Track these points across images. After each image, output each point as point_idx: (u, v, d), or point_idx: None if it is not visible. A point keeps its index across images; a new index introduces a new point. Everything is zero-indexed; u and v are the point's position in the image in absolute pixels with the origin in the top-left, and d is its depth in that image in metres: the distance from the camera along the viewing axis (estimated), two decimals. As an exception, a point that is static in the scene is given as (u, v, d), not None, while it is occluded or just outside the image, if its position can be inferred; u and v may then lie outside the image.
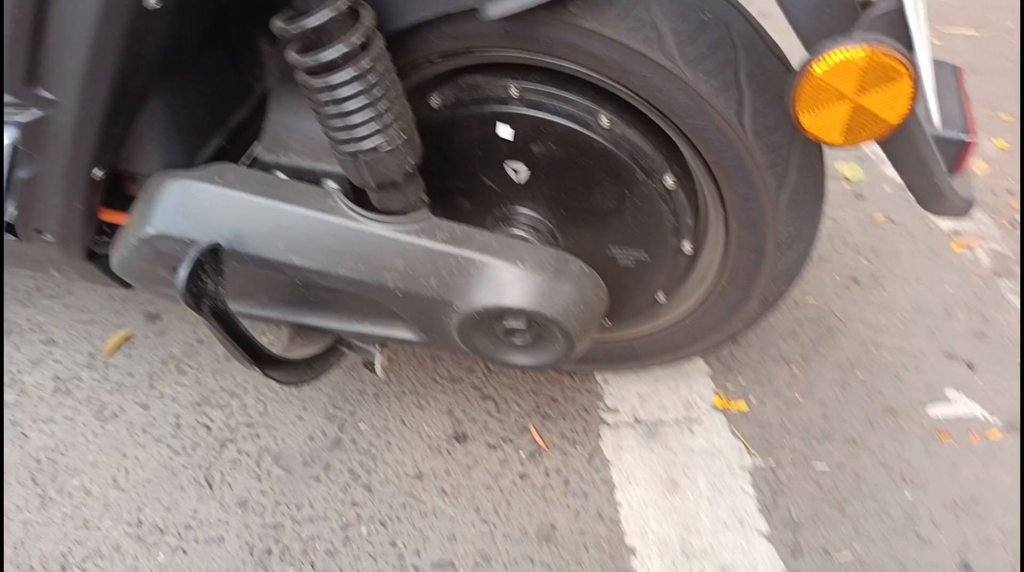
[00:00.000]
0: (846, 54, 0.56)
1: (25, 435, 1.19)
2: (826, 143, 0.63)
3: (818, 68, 0.57)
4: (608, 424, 1.15)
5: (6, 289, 1.46)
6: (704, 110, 0.79)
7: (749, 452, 1.11)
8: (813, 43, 0.59)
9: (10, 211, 0.91)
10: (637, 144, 0.87)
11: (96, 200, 0.91)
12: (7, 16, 0.65)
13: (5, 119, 0.79)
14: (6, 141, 0.81)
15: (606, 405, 1.18)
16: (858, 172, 1.69)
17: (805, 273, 1.39)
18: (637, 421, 1.15)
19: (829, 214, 1.56)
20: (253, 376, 1.25)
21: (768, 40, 0.79)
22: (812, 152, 0.84)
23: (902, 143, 0.69)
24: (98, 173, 0.85)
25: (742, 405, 1.17)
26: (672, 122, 0.84)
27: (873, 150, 1.76)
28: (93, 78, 0.71)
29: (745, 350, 1.26)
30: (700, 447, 1.11)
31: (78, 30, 0.67)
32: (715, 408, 1.17)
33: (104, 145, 0.82)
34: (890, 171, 1.69)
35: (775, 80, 0.78)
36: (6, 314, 1.41)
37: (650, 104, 0.83)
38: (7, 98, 0.75)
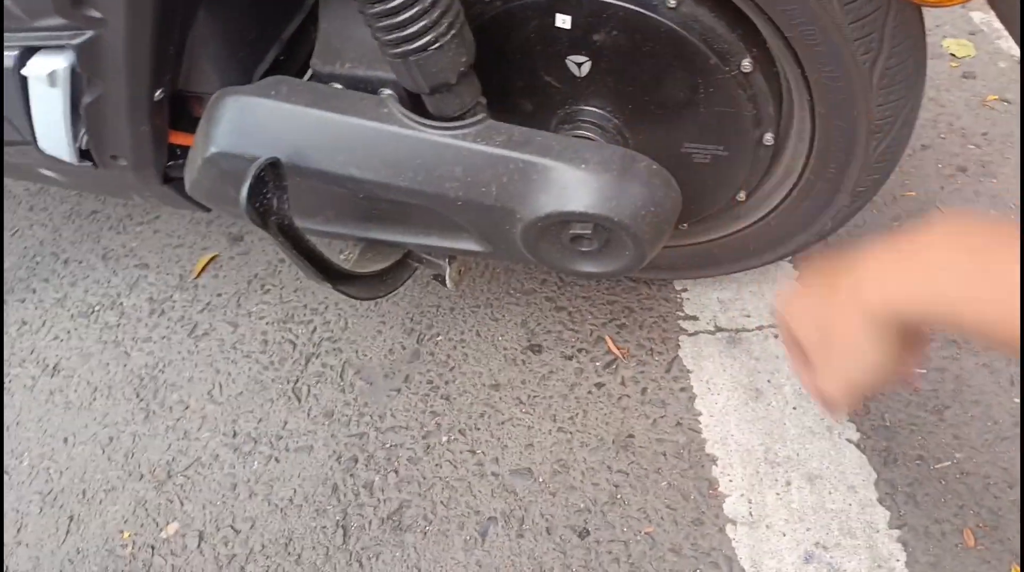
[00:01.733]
0: None
1: (127, 353, 1.26)
2: (924, 2, 0.55)
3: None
4: (687, 332, 1.11)
5: (102, 217, 1.53)
6: (784, -19, 0.71)
7: (839, 357, 1.05)
8: None
9: (84, 137, 0.94)
10: (708, 24, 0.79)
11: (163, 122, 0.91)
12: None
13: (60, 43, 0.79)
14: (63, 64, 0.82)
15: (685, 313, 1.13)
16: (968, 48, 1.51)
17: (905, 163, 1.27)
18: (718, 329, 1.10)
19: (933, 96, 1.41)
20: (333, 293, 1.27)
21: None
22: (909, 20, 0.74)
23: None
24: (160, 94, 0.85)
25: (833, 308, 1.10)
26: (747, -2, 0.76)
27: (987, 21, 1.57)
28: (137, -8, 0.70)
29: (836, 250, 1.18)
30: (785, 353, 1.06)
31: (116, -59, 0.65)
32: (803, 312, 1.10)
33: (160, 64, 0.81)
34: (1006, 45, 1.50)
35: (867, -63, 0.68)
36: (103, 240, 1.48)
37: (722, -21, 0.75)
38: (58, 21, 0.75)
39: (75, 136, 0.92)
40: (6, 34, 0.83)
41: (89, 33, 0.76)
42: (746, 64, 0.80)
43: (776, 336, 1.08)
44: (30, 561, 1.02)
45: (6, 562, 1.03)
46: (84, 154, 0.96)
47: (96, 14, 0.73)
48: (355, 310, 1.26)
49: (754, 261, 1.06)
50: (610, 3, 0.79)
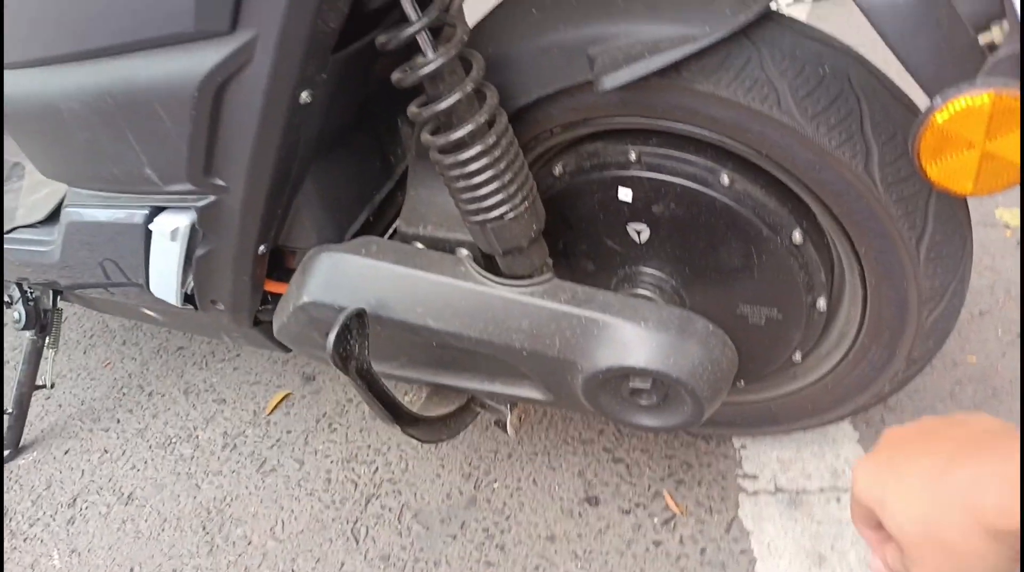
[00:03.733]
0: (970, 101, 0.54)
1: (198, 486, 1.31)
2: (956, 193, 0.60)
3: (940, 117, 0.55)
4: (747, 491, 1.10)
5: (187, 353, 1.64)
6: (829, 164, 0.78)
7: (906, 525, 1.02)
8: (935, 91, 0.58)
9: (189, 284, 1.04)
10: (761, 201, 0.86)
11: (262, 273, 1.01)
12: (190, 120, 0.77)
13: (185, 205, 0.91)
14: (185, 222, 0.94)
15: (744, 471, 1.13)
16: (1019, 217, 1.55)
17: (964, 328, 1.29)
18: (778, 489, 1.10)
19: (989, 265, 1.43)
20: (395, 435, 1.32)
21: (892, 87, 0.77)
22: (952, 200, 0.80)
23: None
24: (263, 249, 0.96)
25: (896, 473, 1.09)
26: (797, 177, 0.83)
27: (1043, 195, 1.62)
28: (257, 165, 0.82)
29: (897, 413, 1.17)
30: (848, 518, 1.04)
31: (245, 125, 0.77)
32: (865, 476, 1.09)
33: (268, 224, 0.92)
34: (1064, 217, 1.54)
35: (903, 128, 0.75)
36: (186, 375, 1.58)
37: (772, 161, 0.82)
38: (186, 187, 0.87)
39: (183, 283, 1.03)
40: (138, 194, 0.96)
41: (211, 197, 0.88)
42: (797, 236, 0.86)
43: (838, 500, 1.06)
44: None
45: None
46: (187, 298, 1.07)
47: (220, 182, 0.85)
48: (416, 452, 1.29)
49: (813, 420, 1.07)
50: (668, 181, 0.87)
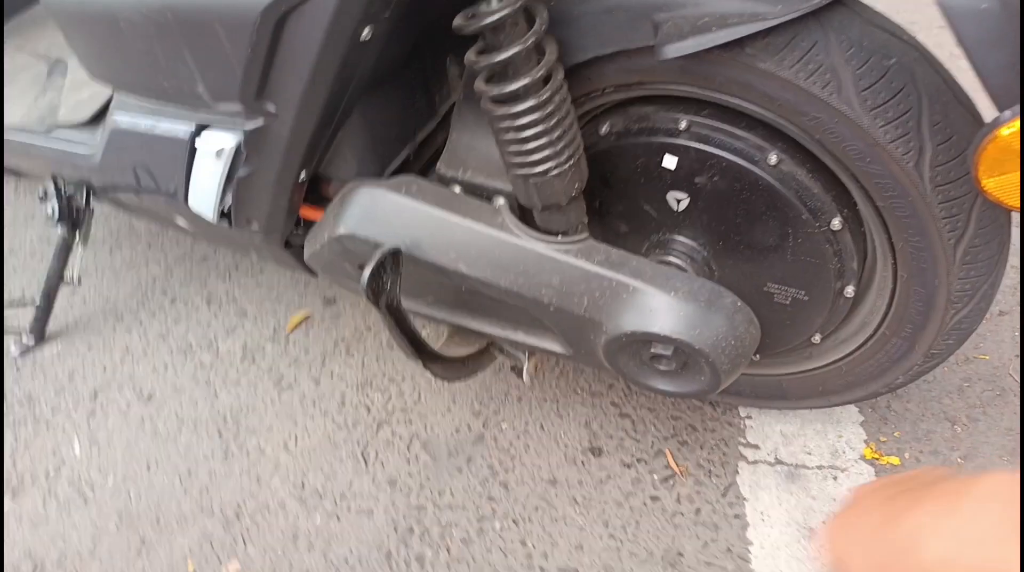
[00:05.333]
0: (1038, 119, 0.54)
1: (216, 394, 1.36)
2: (1007, 206, 0.61)
3: (1006, 131, 0.55)
4: (747, 460, 1.14)
5: (211, 264, 1.67)
6: (880, 157, 0.77)
7: (896, 509, 1.05)
8: (1004, 104, 0.57)
9: (227, 202, 1.06)
10: (805, 184, 0.86)
11: (299, 199, 1.02)
12: (249, 44, 0.77)
13: (233, 125, 0.92)
14: (231, 143, 0.94)
15: (747, 440, 1.16)
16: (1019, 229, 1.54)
17: (982, 327, 1.30)
18: (778, 461, 1.13)
19: (1013, 264, 1.43)
20: (410, 366, 1.35)
21: (956, 89, 0.76)
22: (998, 207, 0.80)
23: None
24: (303, 176, 0.97)
25: (894, 460, 1.12)
26: (845, 166, 0.83)
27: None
28: (309, 97, 0.82)
29: (903, 401, 1.20)
30: (843, 496, 1.08)
31: (302, 56, 0.77)
32: (864, 459, 1.12)
33: (311, 152, 0.93)
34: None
35: (961, 131, 0.75)
36: (209, 285, 1.61)
37: (823, 146, 0.82)
38: (236, 108, 0.88)
39: (221, 200, 1.04)
40: (186, 109, 0.96)
41: (260, 121, 0.88)
42: (836, 223, 0.87)
43: (835, 478, 1.10)
44: (101, 577, 1.10)
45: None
46: (223, 215, 1.08)
47: (271, 108, 0.85)
48: (428, 386, 1.33)
49: (822, 401, 1.10)
50: (715, 153, 0.87)
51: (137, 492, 1.21)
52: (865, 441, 1.15)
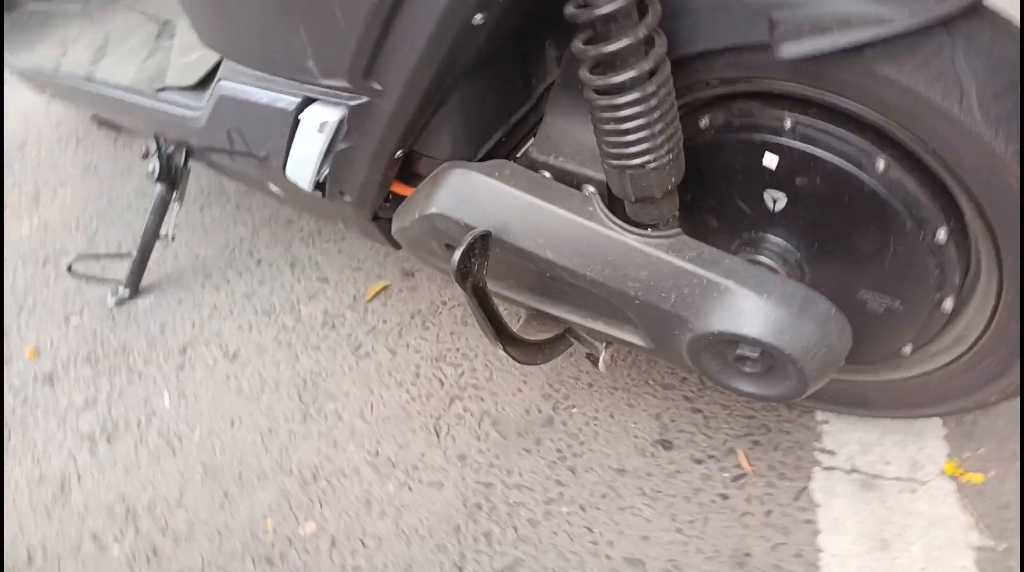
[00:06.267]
0: None
1: (297, 357, 1.41)
2: None
3: None
4: (822, 465, 1.12)
5: (295, 228, 1.72)
6: (999, 171, 0.74)
7: (978, 529, 1.03)
8: None
9: (323, 173, 1.08)
10: (912, 193, 0.83)
11: (393, 174, 1.05)
12: (363, 22, 0.78)
13: (337, 100, 0.94)
14: (334, 117, 0.96)
15: (823, 446, 1.15)
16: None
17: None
18: (854, 469, 1.11)
19: None
20: (484, 343, 1.37)
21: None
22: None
23: None
24: (400, 153, 0.98)
25: (978, 477, 1.08)
26: (959, 177, 0.79)
27: None
28: (416, 77, 0.83)
29: (991, 418, 1.15)
30: (921, 511, 1.05)
31: (414, 37, 0.78)
32: (945, 474, 1.09)
33: (410, 131, 0.94)
34: None
35: (1091, 149, 0.71)
36: (293, 249, 1.66)
37: (937, 155, 0.79)
38: (342, 83, 0.89)
39: (318, 172, 1.07)
40: (293, 81, 0.99)
41: (364, 99, 0.90)
42: (941, 234, 0.84)
43: (913, 491, 1.07)
44: (186, 524, 1.16)
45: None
46: (318, 185, 1.11)
47: (377, 86, 0.87)
48: (501, 364, 1.35)
49: (905, 412, 1.07)
50: (819, 156, 0.85)
51: (222, 446, 1.27)
52: (947, 455, 1.12)
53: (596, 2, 0.74)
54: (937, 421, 1.16)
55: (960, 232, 0.86)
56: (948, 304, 0.90)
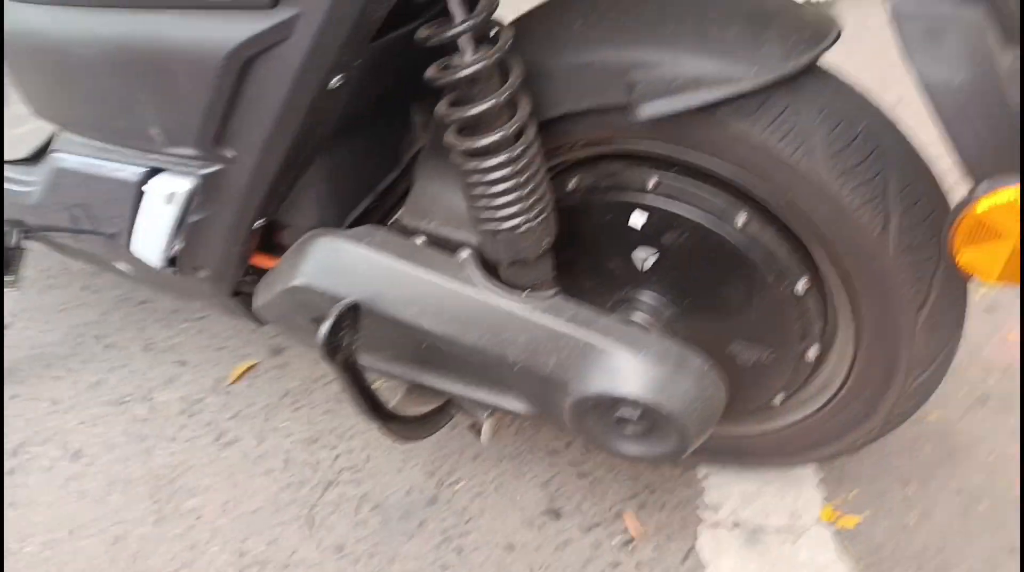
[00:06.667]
0: (1012, 194, 0.55)
1: (150, 451, 1.28)
2: (981, 280, 0.61)
3: (980, 206, 0.56)
4: (706, 523, 1.12)
5: (150, 308, 1.59)
6: (847, 221, 0.78)
7: (857, 574, 1.05)
8: (978, 178, 0.59)
9: (175, 247, 1.00)
10: (771, 248, 0.86)
11: (253, 246, 0.98)
12: (210, 88, 0.73)
13: (186, 169, 0.88)
14: (184, 187, 0.90)
15: (705, 502, 1.14)
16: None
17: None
18: (737, 524, 1.11)
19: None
20: (360, 422, 1.30)
21: (921, 160, 0.78)
22: (958, 275, 0.81)
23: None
24: (259, 223, 0.93)
25: (852, 521, 1.11)
26: (812, 229, 0.83)
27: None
28: (272, 143, 0.79)
29: (859, 461, 1.20)
30: (803, 561, 1.06)
31: (267, 102, 0.74)
32: (822, 521, 1.11)
33: (270, 199, 0.89)
34: (1032, 288, 1.59)
35: (926, 199, 0.77)
36: (148, 331, 1.53)
37: (790, 209, 0.83)
38: (191, 152, 0.84)
39: (169, 246, 0.99)
40: (136, 151, 0.92)
41: (217, 167, 0.84)
42: (800, 286, 0.87)
43: (793, 542, 1.08)
44: (12, 656, 0.99)
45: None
46: (171, 261, 1.03)
47: (229, 153, 0.82)
48: (379, 443, 1.27)
49: (781, 460, 1.09)
50: (682, 214, 0.87)
51: (58, 562, 1.11)
52: (824, 500, 1.14)
53: (457, 65, 0.73)
54: (812, 467, 1.19)
55: (819, 284, 0.90)
56: (812, 352, 0.93)
